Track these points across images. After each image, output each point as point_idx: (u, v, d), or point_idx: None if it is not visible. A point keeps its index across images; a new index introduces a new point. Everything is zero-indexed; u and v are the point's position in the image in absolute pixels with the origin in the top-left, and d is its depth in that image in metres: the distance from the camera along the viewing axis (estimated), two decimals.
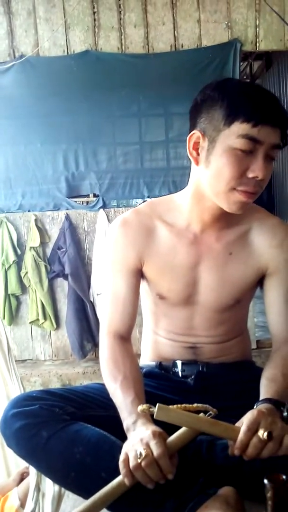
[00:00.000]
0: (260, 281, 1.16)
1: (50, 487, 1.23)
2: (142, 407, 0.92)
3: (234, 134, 0.96)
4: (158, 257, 1.13)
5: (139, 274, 1.16)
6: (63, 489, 1.20)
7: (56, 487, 1.22)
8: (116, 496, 0.87)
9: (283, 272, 1.13)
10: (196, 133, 1.02)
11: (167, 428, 0.91)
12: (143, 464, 0.85)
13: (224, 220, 1.08)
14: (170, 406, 0.89)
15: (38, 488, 1.24)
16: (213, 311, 1.15)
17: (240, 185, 0.98)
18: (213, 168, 1.00)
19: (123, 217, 1.17)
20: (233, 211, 1.03)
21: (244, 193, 0.99)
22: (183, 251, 1.12)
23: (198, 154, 1.03)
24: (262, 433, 0.85)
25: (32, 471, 1.20)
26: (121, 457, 0.89)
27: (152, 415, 0.90)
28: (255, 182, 0.98)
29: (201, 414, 0.92)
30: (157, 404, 0.89)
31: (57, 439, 0.96)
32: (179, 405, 0.90)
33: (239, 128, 0.95)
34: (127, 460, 0.88)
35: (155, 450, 0.86)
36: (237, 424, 0.89)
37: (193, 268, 1.12)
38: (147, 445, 0.87)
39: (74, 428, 0.98)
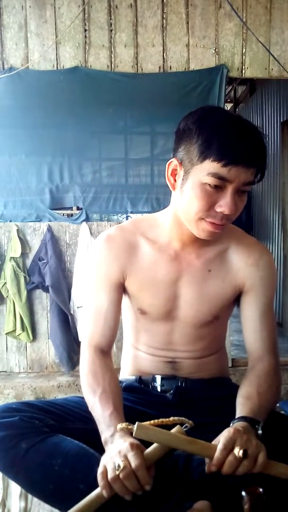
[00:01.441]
0: (237, 298, 1.19)
1: (16, 503, 1.22)
2: (121, 425, 0.93)
3: (205, 171, 0.98)
4: (141, 272, 1.16)
5: (122, 289, 1.18)
6: (29, 505, 1.19)
7: (22, 503, 1.21)
8: (94, 508, 0.88)
9: (259, 290, 1.16)
10: (174, 161, 1.06)
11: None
12: (121, 475, 0.87)
13: (202, 240, 1.11)
14: (148, 422, 0.91)
15: (3, 504, 1.23)
16: (192, 327, 1.18)
17: (208, 217, 1.02)
18: (185, 197, 1.04)
19: (108, 233, 1.19)
20: (203, 238, 1.07)
21: (211, 224, 1.03)
22: (164, 267, 1.15)
23: (175, 181, 1.07)
24: (237, 451, 0.87)
25: None
26: (99, 470, 0.90)
27: (131, 433, 0.92)
28: (222, 215, 1.02)
29: (177, 426, 0.94)
30: (136, 423, 0.90)
31: (36, 451, 0.97)
32: (156, 420, 0.92)
33: (210, 166, 0.98)
34: (105, 472, 0.89)
35: (133, 462, 0.87)
36: (213, 442, 0.91)
37: (173, 283, 1.15)
38: (125, 457, 0.88)
39: (54, 441, 0.99)
